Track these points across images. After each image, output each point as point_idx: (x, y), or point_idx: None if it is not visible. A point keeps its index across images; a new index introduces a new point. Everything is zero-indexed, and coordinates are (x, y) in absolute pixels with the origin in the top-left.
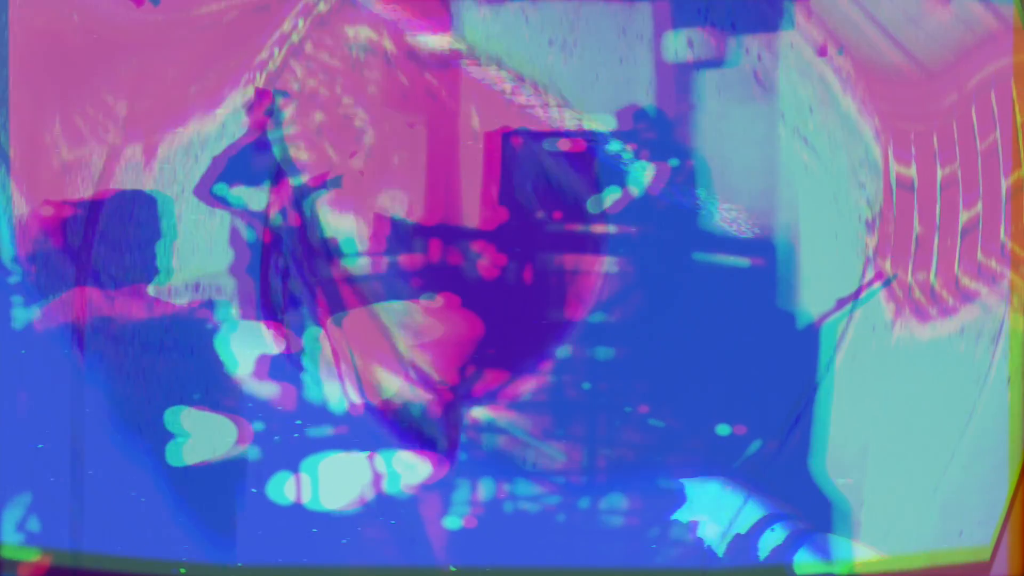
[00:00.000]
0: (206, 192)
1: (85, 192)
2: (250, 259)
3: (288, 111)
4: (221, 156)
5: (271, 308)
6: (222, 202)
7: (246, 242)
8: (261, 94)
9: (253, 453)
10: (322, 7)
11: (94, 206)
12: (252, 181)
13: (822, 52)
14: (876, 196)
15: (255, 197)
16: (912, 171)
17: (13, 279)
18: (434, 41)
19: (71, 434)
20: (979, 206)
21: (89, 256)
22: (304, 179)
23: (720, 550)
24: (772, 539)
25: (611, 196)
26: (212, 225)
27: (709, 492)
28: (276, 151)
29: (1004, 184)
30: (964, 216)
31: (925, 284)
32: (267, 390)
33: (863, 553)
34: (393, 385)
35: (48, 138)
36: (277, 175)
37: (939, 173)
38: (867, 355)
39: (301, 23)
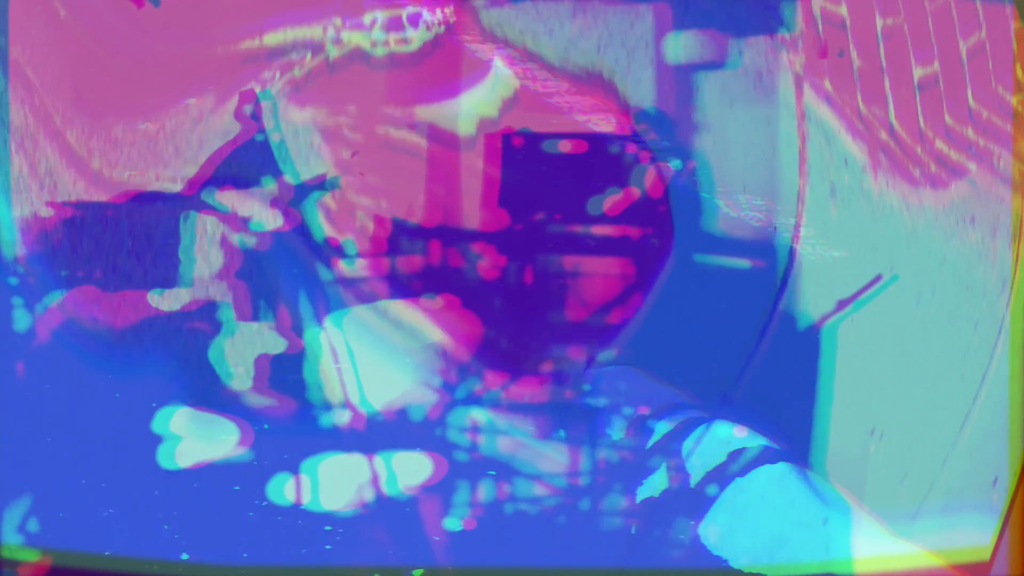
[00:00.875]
0: (196, 196)
1: (87, 194)
2: (248, 261)
3: (279, 111)
4: (212, 159)
5: (271, 310)
6: (213, 206)
7: (242, 245)
8: (247, 95)
9: (253, 454)
10: (297, 72)
11: (96, 207)
12: (247, 183)
13: (823, 54)
14: (794, 19)
15: (250, 199)
16: (843, 10)
17: (14, 280)
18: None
19: (71, 435)
20: (935, 65)
21: (90, 258)
22: (302, 180)
23: (617, 434)
24: (666, 426)
25: (612, 197)
26: (209, 229)
27: (618, 379)
28: (271, 152)
29: (962, 46)
30: (919, 71)
31: (884, 121)
32: (266, 392)
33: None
34: (393, 386)
35: (50, 137)
36: (274, 176)
37: (879, 22)
38: (852, 199)
39: (278, 76)
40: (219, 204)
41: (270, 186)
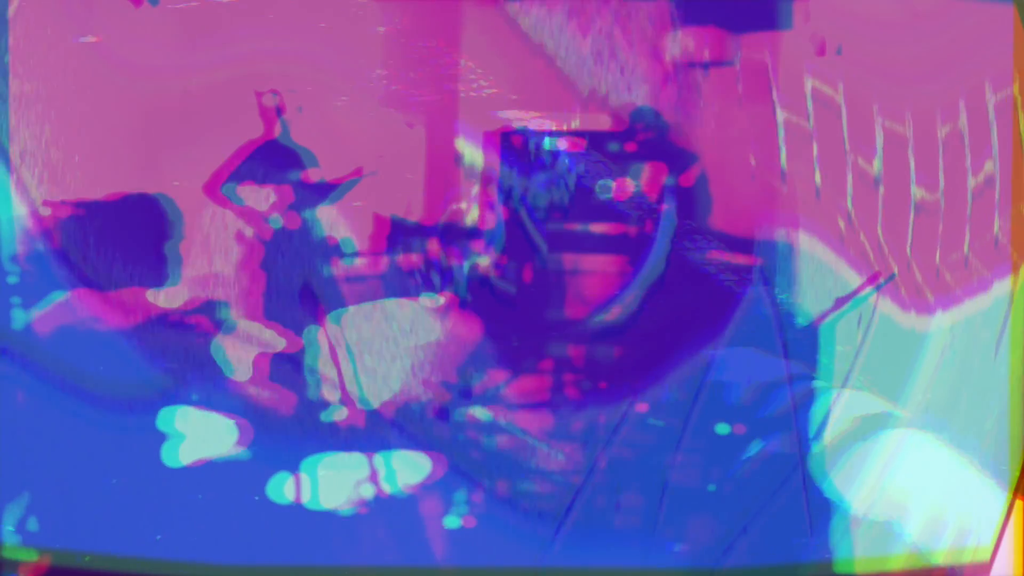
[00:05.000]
0: (216, 191)
1: (87, 192)
2: (251, 259)
3: (296, 111)
4: (234, 156)
5: (271, 308)
6: (230, 201)
7: (248, 242)
8: (268, 93)
9: (252, 453)
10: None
11: (95, 207)
12: (262, 180)
13: (820, 52)
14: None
15: (263, 197)
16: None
17: (12, 279)
18: None
19: (70, 435)
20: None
21: (89, 257)
22: (320, 180)
23: (745, 399)
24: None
25: (611, 196)
26: (217, 225)
27: (740, 358)
28: (289, 151)
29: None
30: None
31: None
32: (266, 390)
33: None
34: (392, 385)
35: (49, 137)
36: (289, 175)
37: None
38: None
39: None
40: (231, 200)
41: (284, 184)
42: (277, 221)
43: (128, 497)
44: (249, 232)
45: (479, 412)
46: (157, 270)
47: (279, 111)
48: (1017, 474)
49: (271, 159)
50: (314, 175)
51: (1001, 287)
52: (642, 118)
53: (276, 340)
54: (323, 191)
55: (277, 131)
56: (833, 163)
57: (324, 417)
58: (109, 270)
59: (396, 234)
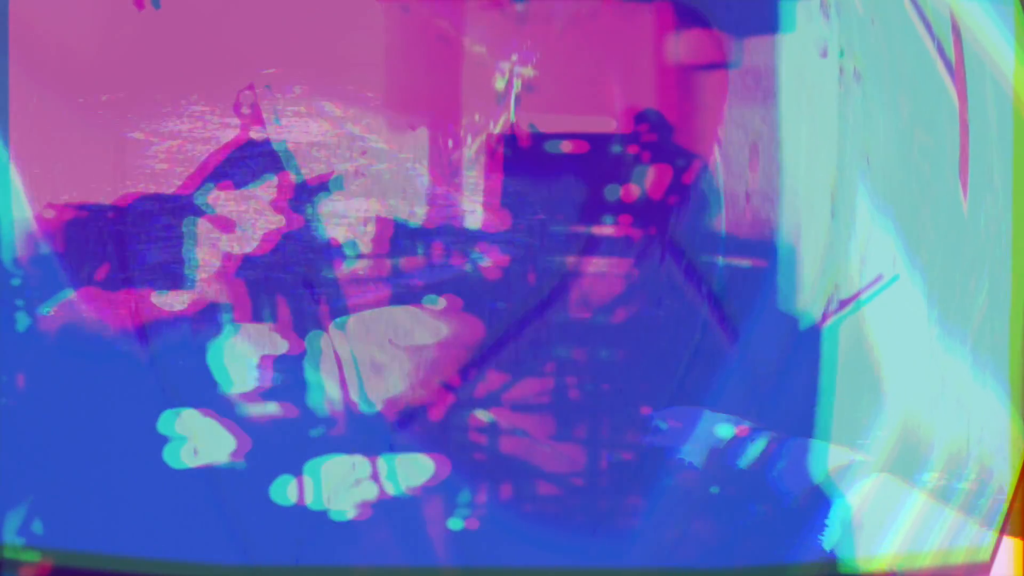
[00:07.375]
0: (190, 197)
1: (88, 196)
2: (251, 262)
3: (282, 109)
4: (210, 158)
5: (272, 311)
6: (209, 207)
7: (244, 245)
8: (249, 91)
9: (255, 456)
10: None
11: (96, 209)
12: (247, 183)
13: (823, 54)
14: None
15: (251, 199)
16: None
17: (15, 282)
18: None
19: (72, 437)
20: None
21: (92, 260)
22: (305, 179)
23: (699, 463)
24: (752, 450)
25: (613, 198)
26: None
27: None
28: (274, 151)
29: None
30: None
31: None
32: (268, 393)
33: (841, 457)
34: (395, 387)
35: (50, 139)
36: (276, 176)
37: None
38: None
39: None
40: (216, 205)
41: (272, 186)
42: (274, 222)
43: (132, 498)
44: (242, 234)
45: (482, 414)
46: (160, 273)
47: (257, 108)
48: (1017, 474)
49: (250, 160)
50: (294, 175)
51: None
52: (645, 120)
53: (278, 343)
54: (313, 191)
55: (257, 131)
56: None
57: (327, 419)
58: (112, 272)
59: (398, 236)
